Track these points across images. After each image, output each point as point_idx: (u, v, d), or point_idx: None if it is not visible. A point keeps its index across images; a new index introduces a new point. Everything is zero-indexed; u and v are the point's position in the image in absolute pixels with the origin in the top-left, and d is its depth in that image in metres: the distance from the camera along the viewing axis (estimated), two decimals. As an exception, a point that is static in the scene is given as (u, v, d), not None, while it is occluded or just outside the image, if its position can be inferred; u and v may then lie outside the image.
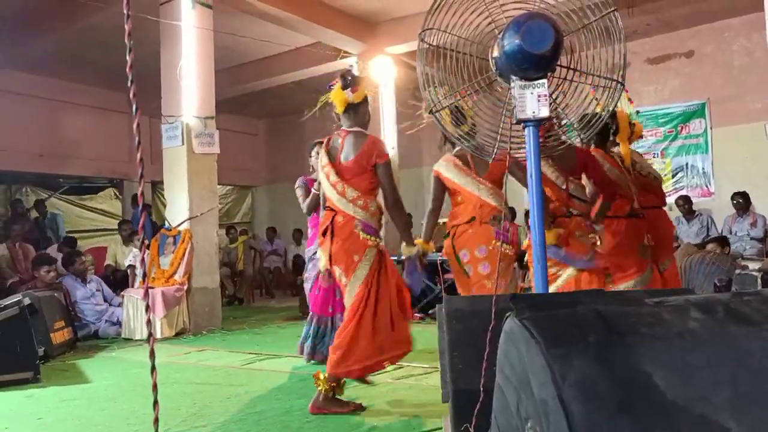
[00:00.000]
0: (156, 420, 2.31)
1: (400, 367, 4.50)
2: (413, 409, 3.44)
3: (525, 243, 3.70)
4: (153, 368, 2.11)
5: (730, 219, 8.62)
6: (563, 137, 2.42)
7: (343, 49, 9.65)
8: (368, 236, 3.37)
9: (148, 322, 2.07)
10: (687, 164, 9.68)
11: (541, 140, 2.26)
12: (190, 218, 7.11)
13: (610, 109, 2.28)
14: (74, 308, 6.67)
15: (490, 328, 1.89)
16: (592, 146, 4.21)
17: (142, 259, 6.00)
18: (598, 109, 2.30)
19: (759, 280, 3.19)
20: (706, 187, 9.53)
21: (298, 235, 11.74)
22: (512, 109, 2.17)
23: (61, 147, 11.00)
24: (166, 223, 7.33)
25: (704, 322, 1.15)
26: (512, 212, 7.57)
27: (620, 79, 2.25)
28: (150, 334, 2.03)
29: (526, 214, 7.26)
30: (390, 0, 8.69)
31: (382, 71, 9.69)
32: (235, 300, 10.63)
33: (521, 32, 2.06)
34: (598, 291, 2.94)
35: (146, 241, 6.82)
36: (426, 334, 5.03)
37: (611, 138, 4.36)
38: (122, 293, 7.01)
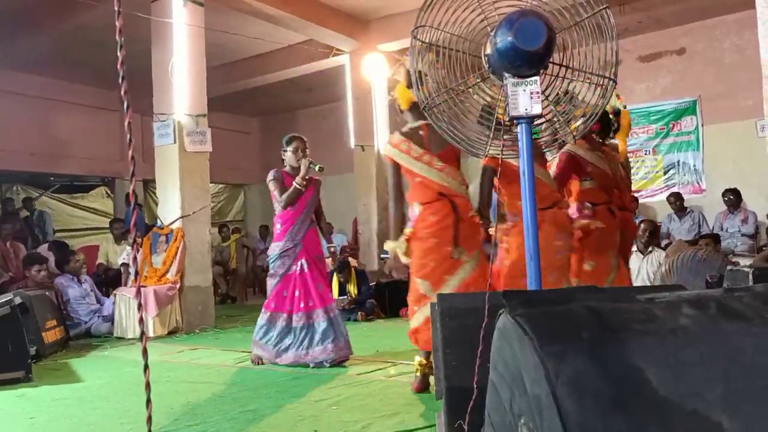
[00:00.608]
0: (149, 419, 2.31)
1: (393, 365, 4.51)
2: (407, 406, 3.44)
3: None
4: (146, 367, 2.10)
5: (721, 216, 8.66)
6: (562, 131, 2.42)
7: (335, 47, 9.65)
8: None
9: (141, 320, 2.06)
10: (678, 161, 9.72)
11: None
12: (182, 216, 7.09)
13: (603, 105, 2.29)
14: (66, 307, 6.65)
15: (483, 325, 1.90)
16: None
17: (134, 258, 6.00)
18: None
19: (750, 276, 3.20)
20: (698, 184, 9.57)
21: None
22: (505, 106, 2.17)
23: (52, 145, 10.94)
24: (158, 221, 7.30)
25: (696, 319, 1.16)
26: None
27: (612, 77, 2.25)
28: (142, 333, 2.02)
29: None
30: (382, -3, 8.69)
31: (374, 69, 9.68)
32: (227, 298, 10.62)
33: (514, 29, 2.07)
34: (591, 287, 2.95)
35: (138, 240, 6.80)
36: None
37: (611, 135, 4.40)
38: (114, 292, 6.99)
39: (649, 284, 6.25)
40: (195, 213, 7.17)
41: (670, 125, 9.75)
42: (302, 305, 4.75)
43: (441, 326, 2.31)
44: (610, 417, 1.02)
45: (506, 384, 1.27)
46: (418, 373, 3.68)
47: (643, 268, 6.90)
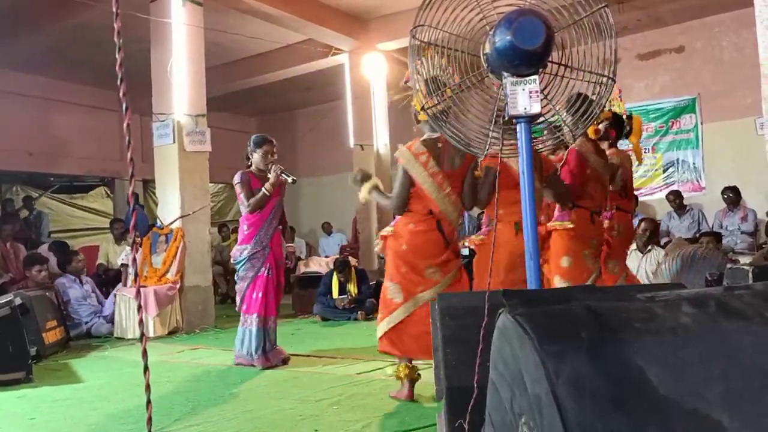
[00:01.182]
0: (149, 419, 2.31)
1: (393, 365, 4.51)
2: (407, 406, 3.44)
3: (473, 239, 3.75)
4: (146, 367, 2.11)
5: (720, 213, 8.67)
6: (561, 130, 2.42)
7: (334, 46, 9.65)
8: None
9: (141, 322, 2.06)
10: (678, 159, 9.72)
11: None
12: (181, 216, 7.09)
13: (603, 104, 2.29)
14: (66, 308, 6.64)
15: (483, 325, 1.90)
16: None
17: (134, 258, 6.00)
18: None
19: (750, 275, 3.19)
20: (697, 181, 9.58)
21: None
22: (504, 105, 2.17)
23: (51, 146, 10.94)
24: (158, 221, 7.30)
25: (696, 317, 1.16)
26: None
27: (611, 75, 2.26)
28: (142, 333, 2.02)
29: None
30: (381, -3, 8.69)
31: (373, 68, 9.67)
32: (228, 298, 10.59)
33: (512, 28, 2.07)
34: (591, 287, 2.95)
35: (138, 240, 6.80)
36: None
37: (624, 138, 4.43)
38: (115, 292, 6.98)
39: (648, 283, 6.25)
40: (195, 213, 7.17)
41: (670, 123, 9.75)
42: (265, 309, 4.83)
43: (441, 326, 2.30)
44: (610, 416, 1.02)
45: (506, 383, 1.27)
46: (405, 381, 3.53)
47: (642, 267, 6.90)
